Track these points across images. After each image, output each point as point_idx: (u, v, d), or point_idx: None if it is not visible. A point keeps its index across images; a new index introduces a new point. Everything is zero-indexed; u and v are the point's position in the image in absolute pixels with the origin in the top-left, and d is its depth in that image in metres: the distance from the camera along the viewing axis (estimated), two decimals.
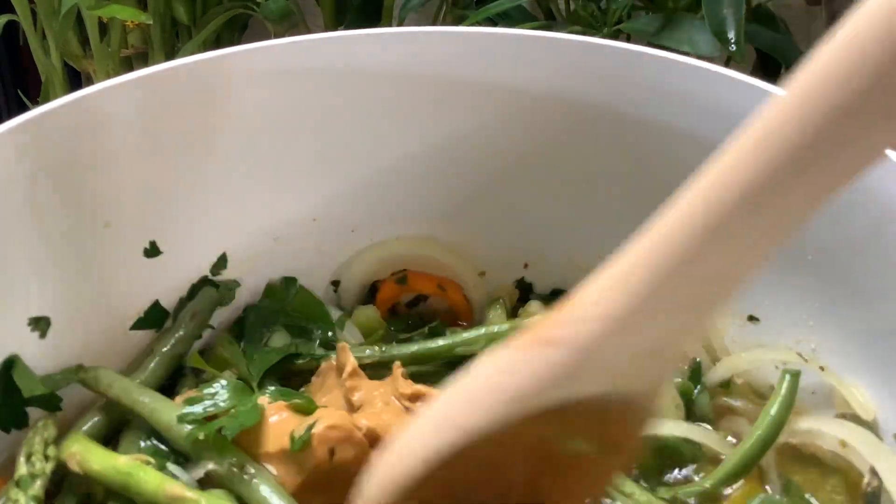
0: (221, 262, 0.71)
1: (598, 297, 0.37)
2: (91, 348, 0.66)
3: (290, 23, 1.01)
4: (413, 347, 0.68)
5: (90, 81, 1.08)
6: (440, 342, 0.68)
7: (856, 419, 0.61)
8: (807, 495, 0.61)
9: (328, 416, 0.58)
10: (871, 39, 0.29)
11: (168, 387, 0.66)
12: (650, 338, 0.37)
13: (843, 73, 0.30)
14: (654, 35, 0.84)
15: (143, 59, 1.08)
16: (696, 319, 0.38)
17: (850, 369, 0.62)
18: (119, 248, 0.66)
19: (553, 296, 0.76)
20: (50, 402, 0.63)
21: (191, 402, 0.59)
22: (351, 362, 0.62)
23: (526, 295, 0.77)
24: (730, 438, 0.64)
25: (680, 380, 0.66)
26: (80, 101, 0.60)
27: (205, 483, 0.57)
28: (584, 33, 0.75)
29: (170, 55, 1.06)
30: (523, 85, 0.67)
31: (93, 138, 0.62)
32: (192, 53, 0.65)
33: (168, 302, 0.70)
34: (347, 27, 0.98)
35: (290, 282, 0.74)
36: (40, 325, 0.63)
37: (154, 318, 0.69)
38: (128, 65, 1.08)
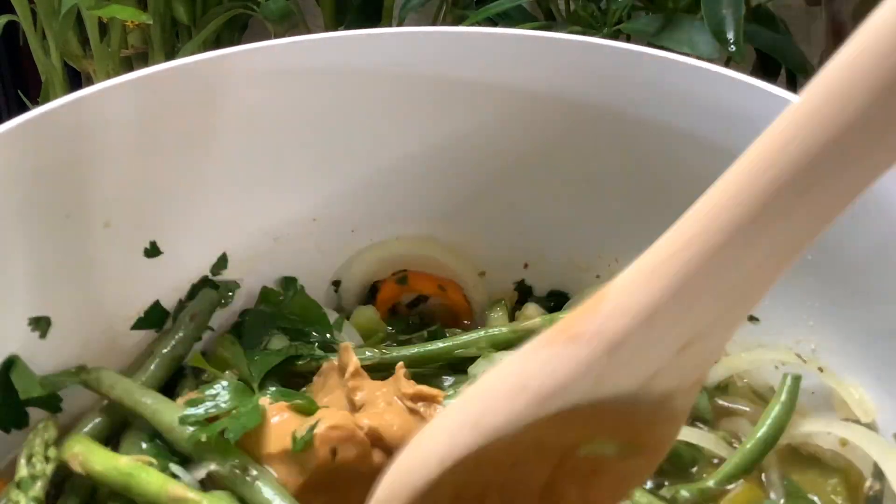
0: (221, 262, 0.71)
1: (627, 290, 0.36)
2: (91, 348, 0.66)
3: (290, 23, 1.01)
4: (413, 349, 0.68)
5: (90, 81, 1.08)
6: (440, 344, 0.68)
7: (856, 420, 0.61)
8: (808, 496, 0.61)
9: (330, 416, 0.58)
10: (874, 55, 0.29)
11: (168, 388, 0.66)
12: (681, 334, 0.36)
13: (848, 91, 0.30)
14: (654, 35, 0.84)
15: (143, 59, 1.08)
16: (730, 316, 0.37)
17: (851, 370, 0.62)
18: (119, 248, 0.66)
19: (550, 297, 0.76)
20: (50, 403, 0.63)
21: (192, 403, 0.59)
22: (353, 362, 0.62)
23: (524, 297, 0.77)
24: (730, 440, 0.64)
25: None
26: (80, 101, 0.60)
27: (206, 484, 0.57)
28: (584, 33, 0.75)
29: (170, 55, 1.06)
30: (523, 85, 0.67)
31: (93, 138, 0.62)
32: (192, 53, 0.65)
33: (168, 302, 0.70)
34: (347, 27, 0.98)
35: (289, 282, 0.74)
36: (40, 325, 0.63)
37: (154, 318, 0.69)
38: (128, 65, 1.08)
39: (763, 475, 0.61)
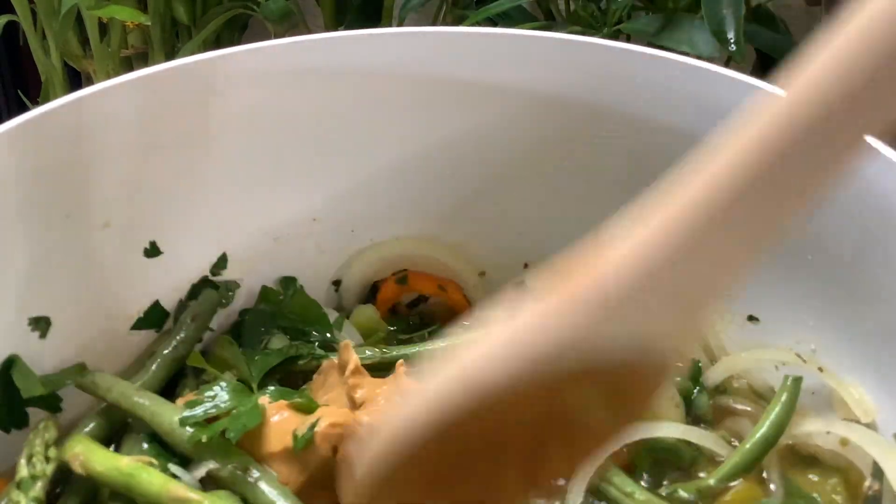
0: (221, 262, 0.71)
1: (626, 246, 0.36)
2: (91, 348, 0.66)
3: (290, 23, 1.01)
4: (413, 348, 0.68)
5: (90, 81, 1.08)
6: (440, 344, 0.68)
7: (856, 420, 0.61)
8: (808, 495, 0.61)
9: (330, 414, 0.58)
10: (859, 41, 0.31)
11: (169, 388, 0.66)
12: (677, 290, 0.36)
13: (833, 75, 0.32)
14: (654, 35, 0.84)
15: (143, 59, 1.08)
16: (725, 272, 0.37)
17: (851, 370, 0.62)
18: (119, 248, 0.66)
19: None
20: (50, 403, 0.63)
21: (191, 405, 0.59)
22: (354, 360, 0.62)
23: None
24: (731, 439, 0.64)
25: (679, 379, 0.66)
26: (80, 101, 0.60)
27: (207, 483, 0.57)
28: (584, 33, 0.75)
29: (170, 55, 1.06)
30: (523, 85, 0.67)
31: (93, 138, 0.62)
32: (192, 53, 0.65)
33: (168, 302, 0.70)
34: (347, 27, 0.98)
35: (288, 282, 0.74)
36: (40, 325, 0.63)
37: (154, 318, 0.69)
38: (128, 65, 1.08)
39: (763, 474, 0.61)
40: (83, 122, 0.61)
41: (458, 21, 0.98)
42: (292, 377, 0.67)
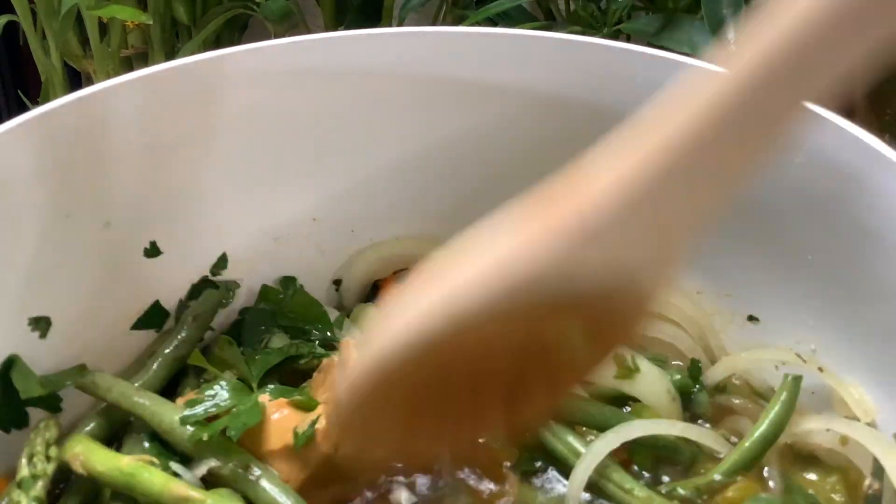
0: (221, 262, 0.71)
1: (607, 169, 0.36)
2: (91, 348, 0.66)
3: (290, 23, 1.01)
4: None
5: (90, 81, 1.08)
6: None
7: (855, 419, 0.61)
8: (807, 492, 0.61)
9: None
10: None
11: (170, 387, 0.66)
12: (657, 216, 0.36)
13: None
14: (654, 35, 0.84)
15: (143, 59, 1.08)
16: (705, 200, 0.37)
17: (851, 369, 0.62)
18: (119, 248, 0.66)
19: None
20: (50, 403, 0.63)
21: (191, 404, 0.59)
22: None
23: None
24: (730, 437, 0.64)
25: (679, 376, 0.66)
26: (80, 101, 0.60)
27: (208, 482, 0.57)
28: (584, 33, 0.75)
29: (170, 55, 1.06)
30: (523, 85, 0.67)
31: (93, 138, 0.62)
32: (192, 53, 0.65)
33: (168, 302, 0.70)
34: (347, 27, 0.98)
35: (288, 281, 0.74)
36: (40, 325, 0.63)
37: (154, 318, 0.69)
38: (128, 65, 1.08)
39: (763, 473, 0.61)
40: (83, 122, 0.61)
41: (458, 21, 0.98)
42: (293, 377, 0.67)
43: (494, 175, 0.72)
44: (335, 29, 1.05)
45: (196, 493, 0.54)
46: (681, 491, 0.60)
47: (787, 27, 0.33)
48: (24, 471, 0.57)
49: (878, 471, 0.59)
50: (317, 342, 0.69)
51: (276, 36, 0.77)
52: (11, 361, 0.61)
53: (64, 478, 0.60)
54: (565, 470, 0.61)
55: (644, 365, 0.65)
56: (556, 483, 0.62)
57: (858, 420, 0.60)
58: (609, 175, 0.36)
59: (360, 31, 0.67)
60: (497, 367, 0.41)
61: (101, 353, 0.66)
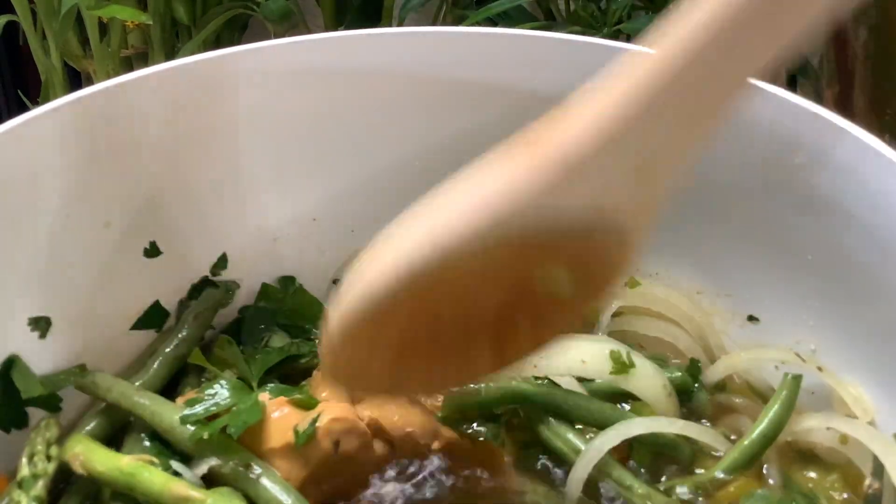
0: (221, 262, 0.71)
1: (590, 106, 0.37)
2: (91, 348, 0.66)
3: (290, 23, 1.01)
4: None
5: (90, 81, 1.08)
6: None
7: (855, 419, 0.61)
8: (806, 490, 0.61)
9: (331, 409, 0.58)
10: None
11: (170, 387, 0.66)
12: (639, 153, 0.37)
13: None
14: None
15: (143, 59, 1.08)
16: (685, 138, 0.38)
17: (850, 369, 0.62)
18: (119, 248, 0.66)
19: None
20: (50, 403, 0.63)
21: (191, 403, 0.59)
22: None
23: None
24: (730, 436, 0.64)
25: (678, 374, 0.66)
26: (79, 102, 0.60)
27: (209, 481, 0.57)
28: (584, 33, 0.75)
29: (170, 55, 1.06)
30: (523, 85, 0.67)
31: (92, 139, 0.62)
32: (192, 53, 0.66)
33: (168, 302, 0.70)
34: (347, 27, 0.98)
35: (288, 281, 0.74)
36: (40, 325, 0.63)
37: (154, 318, 0.69)
38: (128, 65, 1.08)
39: (762, 471, 0.62)
40: (82, 123, 0.61)
41: (458, 21, 0.98)
42: (293, 375, 0.67)
43: None
44: (335, 29, 1.05)
45: (196, 493, 0.54)
46: (680, 488, 0.60)
47: None
48: (24, 470, 0.57)
49: (878, 469, 0.59)
50: (317, 341, 0.69)
51: (276, 36, 0.77)
52: (11, 361, 0.62)
53: (64, 477, 0.59)
54: (565, 467, 0.61)
55: (639, 361, 0.65)
56: (555, 480, 0.62)
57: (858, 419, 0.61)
58: (589, 114, 0.37)
59: (360, 31, 0.67)
60: (484, 306, 0.41)
61: (101, 353, 0.66)
